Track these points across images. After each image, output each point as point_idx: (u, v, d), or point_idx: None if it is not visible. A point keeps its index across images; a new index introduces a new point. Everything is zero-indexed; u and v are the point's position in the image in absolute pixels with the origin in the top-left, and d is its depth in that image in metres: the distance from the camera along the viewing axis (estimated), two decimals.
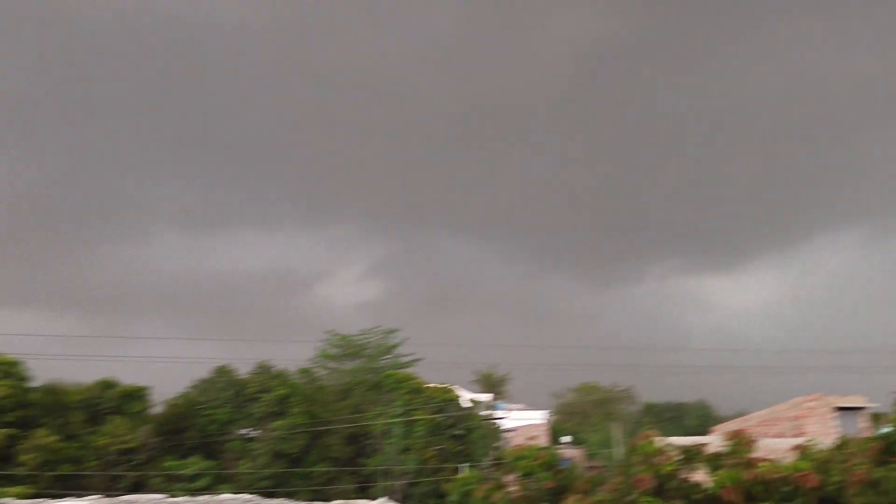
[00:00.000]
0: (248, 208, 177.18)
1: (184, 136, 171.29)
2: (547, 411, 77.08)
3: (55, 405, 40.62)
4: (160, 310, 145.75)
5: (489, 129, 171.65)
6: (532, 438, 42.25)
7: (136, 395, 42.82)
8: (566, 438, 62.28)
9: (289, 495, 35.31)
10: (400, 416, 44.67)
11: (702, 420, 72.60)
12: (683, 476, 14.53)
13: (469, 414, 50.07)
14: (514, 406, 69.75)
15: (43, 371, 42.08)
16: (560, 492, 19.60)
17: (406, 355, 61.55)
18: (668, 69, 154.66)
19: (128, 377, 43.67)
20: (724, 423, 43.51)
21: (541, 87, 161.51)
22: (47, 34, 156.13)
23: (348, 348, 61.44)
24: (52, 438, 37.61)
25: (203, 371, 45.66)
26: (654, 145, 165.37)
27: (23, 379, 39.76)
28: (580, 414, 78.51)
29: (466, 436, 48.55)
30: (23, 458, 36.59)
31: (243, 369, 45.33)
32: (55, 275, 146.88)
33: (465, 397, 53.12)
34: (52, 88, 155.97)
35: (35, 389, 40.50)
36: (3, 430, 37.10)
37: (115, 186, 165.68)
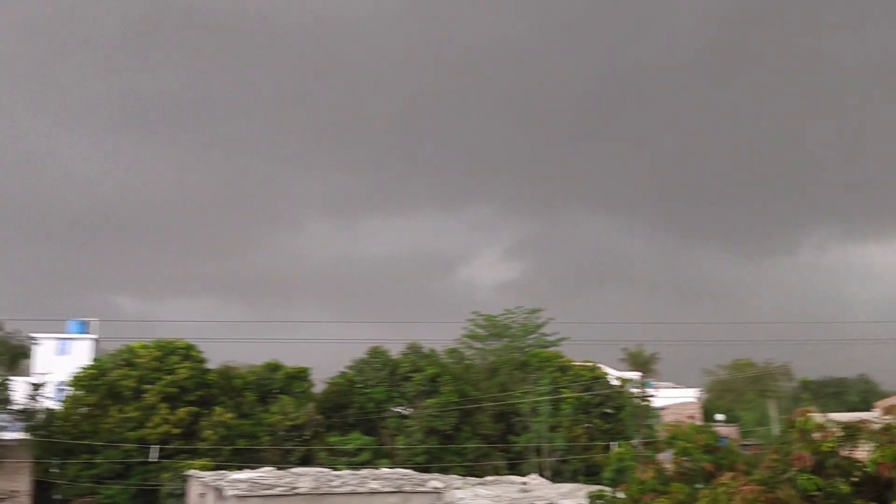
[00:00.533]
0: (390, 194, 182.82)
1: (327, 127, 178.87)
2: (698, 389, 75.18)
3: (229, 386, 44.30)
4: (315, 294, 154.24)
5: (625, 98, 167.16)
6: (690, 417, 41.63)
7: (299, 376, 45.90)
8: (719, 416, 60.56)
9: (442, 471, 36.89)
10: (547, 394, 45.30)
11: (864, 396, 68.21)
12: (844, 454, 14.11)
13: (618, 392, 49.92)
14: (663, 384, 68.59)
15: (216, 354, 45.97)
16: (717, 472, 19.45)
17: (551, 334, 62.02)
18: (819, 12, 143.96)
19: (290, 359, 46.93)
20: (889, 398, 40.93)
21: (676, 50, 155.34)
22: (197, 38, 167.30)
23: (493, 328, 62.68)
24: (228, 416, 41.12)
25: (358, 352, 48.35)
26: (803, 99, 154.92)
27: (200, 362, 43.57)
28: (733, 391, 75.94)
29: (615, 414, 48.48)
30: (205, 433, 40.25)
31: (395, 350, 47.60)
32: (222, 265, 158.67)
33: (613, 375, 52.94)
34: (204, 89, 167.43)
35: (211, 371, 44.30)
36: (186, 409, 40.92)
37: (268, 179, 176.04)
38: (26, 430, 39.18)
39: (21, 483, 38.76)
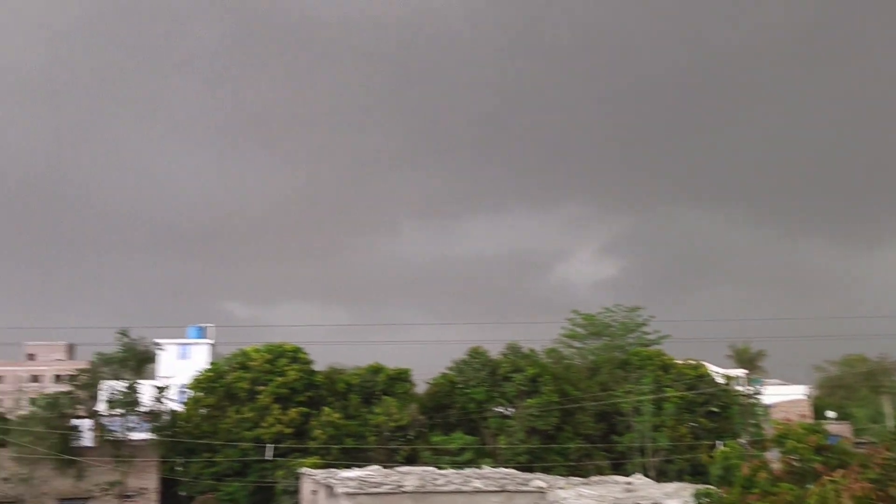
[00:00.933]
0: (484, 194, 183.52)
1: (421, 131, 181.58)
2: (807, 386, 72.36)
3: (335, 387, 45.94)
4: (413, 296, 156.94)
5: (724, 88, 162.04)
6: (800, 415, 40.30)
7: (401, 377, 47.10)
8: (830, 414, 58.13)
9: (545, 470, 37.12)
10: (650, 393, 44.78)
11: None
12: None
13: (723, 390, 48.78)
14: (771, 381, 66.42)
15: (320, 357, 47.61)
16: (827, 471, 18.95)
17: (651, 332, 61.12)
18: None
19: (391, 360, 48.18)
20: None
21: (779, 36, 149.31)
22: (294, 50, 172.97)
23: (593, 327, 62.28)
24: (336, 416, 42.71)
25: (456, 353, 49.14)
26: None
27: (308, 364, 45.39)
28: (845, 388, 72.62)
29: (721, 412, 47.39)
30: (314, 433, 41.95)
31: (494, 350, 48.07)
32: (324, 270, 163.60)
33: (718, 373, 51.78)
34: (302, 99, 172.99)
35: (318, 373, 46.05)
36: (297, 409, 42.77)
37: (365, 184, 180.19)
38: (153, 430, 41.83)
39: (149, 481, 41.40)
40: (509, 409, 45.35)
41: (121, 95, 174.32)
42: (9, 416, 46.28)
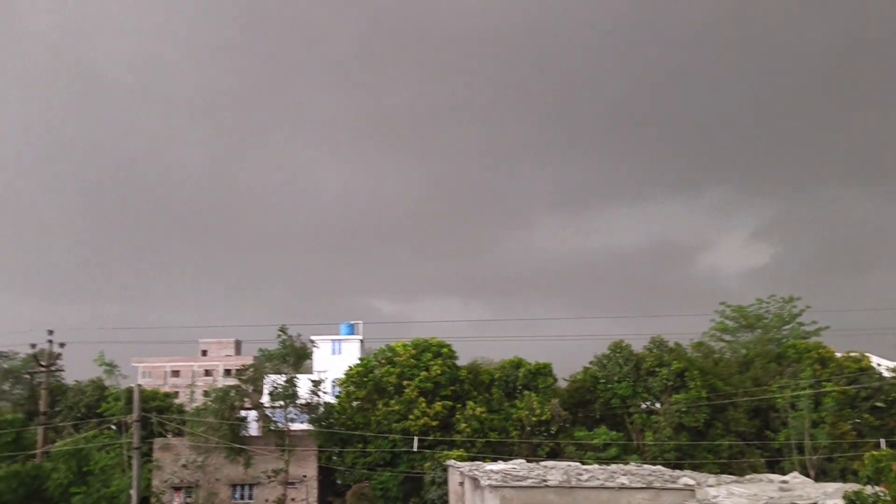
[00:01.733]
0: (620, 183, 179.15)
1: (551, 122, 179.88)
2: None
3: (478, 381, 46.95)
4: (551, 290, 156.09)
5: (880, 59, 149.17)
6: None
7: (543, 372, 47.39)
8: None
9: (694, 468, 36.22)
10: (807, 388, 42.54)
11: None
12: None
13: (891, 384, 45.46)
14: None
15: (462, 351, 48.76)
16: None
17: (808, 323, 57.90)
18: None
19: (531, 355, 48.57)
20: None
21: None
22: (424, 51, 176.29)
23: (744, 319, 59.78)
24: (479, 410, 43.71)
25: (598, 348, 48.80)
26: None
27: (452, 359, 46.67)
28: None
29: (888, 408, 44.26)
30: (459, 426, 43.16)
31: (637, 344, 47.36)
32: (463, 265, 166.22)
33: (884, 367, 48.28)
34: (434, 98, 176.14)
35: (461, 368, 47.24)
36: (441, 403, 44.18)
37: (499, 178, 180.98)
38: (311, 422, 44.56)
39: (309, 469, 44.18)
40: (655, 405, 44.55)
41: (268, 106, 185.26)
42: (185, 408, 50.81)
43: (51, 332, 44.18)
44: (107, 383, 47.93)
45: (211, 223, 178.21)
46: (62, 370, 48.60)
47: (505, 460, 35.82)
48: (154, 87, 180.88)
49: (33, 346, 45.69)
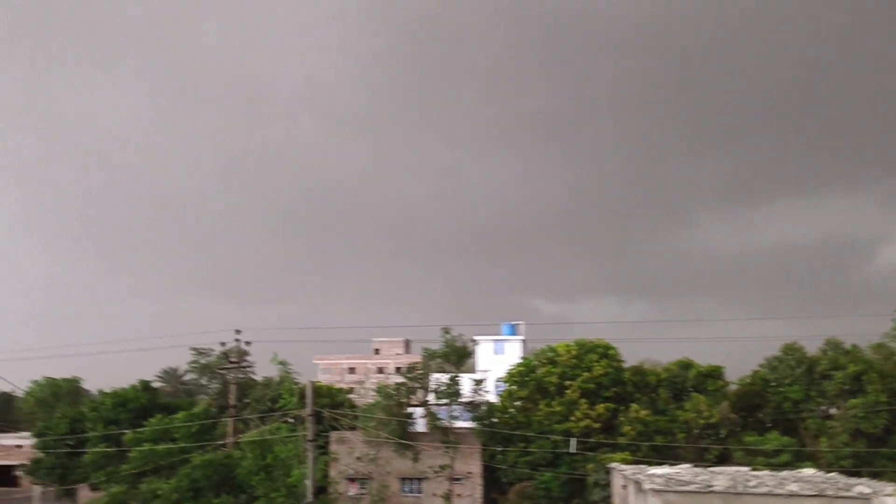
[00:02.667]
0: (787, 175, 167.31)
1: (710, 115, 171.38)
2: None
3: (643, 383, 46.11)
4: (715, 289, 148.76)
5: None
6: None
7: (712, 374, 45.77)
8: None
9: (874, 476, 33.72)
10: None
11: None
12: None
13: None
14: None
15: (624, 352, 47.97)
16: None
17: None
18: None
19: (696, 356, 47.03)
20: None
21: None
22: (565, 53, 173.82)
23: None
24: (644, 413, 42.96)
25: (768, 349, 46.45)
26: None
27: (616, 360, 46.15)
28: None
29: None
30: (623, 429, 42.66)
31: (811, 346, 44.69)
32: (622, 264, 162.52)
33: None
34: (578, 98, 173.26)
35: (625, 369, 46.60)
36: (604, 404, 43.83)
37: (655, 175, 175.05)
38: (473, 420, 45.75)
39: (474, 466, 45.36)
40: (830, 410, 41.78)
41: (422, 113, 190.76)
42: (358, 404, 53.73)
43: (238, 332, 48.41)
44: (283, 379, 51.78)
45: (378, 228, 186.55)
46: (250, 366, 53.07)
47: (671, 464, 35.10)
48: (315, 101, 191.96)
49: (223, 344, 50.26)
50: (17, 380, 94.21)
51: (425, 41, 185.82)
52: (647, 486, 28.86)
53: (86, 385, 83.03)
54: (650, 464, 36.05)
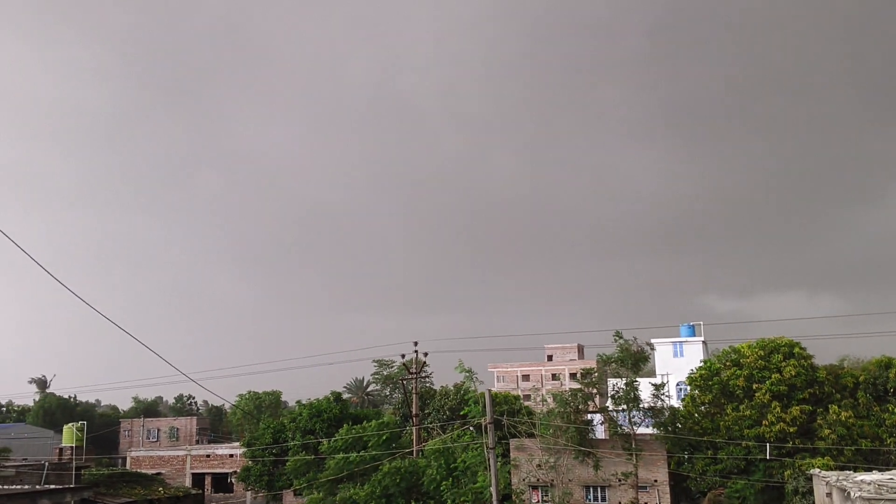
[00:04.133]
0: None
1: (887, 87, 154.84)
2: None
3: (839, 384, 42.67)
4: None
5: None
6: None
7: None
8: None
9: None
10: None
11: None
12: None
13: None
14: None
15: (813, 350, 44.54)
16: None
17: None
18: None
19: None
20: None
21: None
22: (713, 40, 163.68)
23: None
24: (845, 415, 39.76)
25: None
26: None
27: (805, 359, 43.05)
28: None
29: None
30: (822, 433, 39.73)
31: None
32: (804, 255, 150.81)
33: None
34: (737, 82, 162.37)
35: (819, 369, 43.34)
36: (798, 407, 41.02)
37: (832, 154, 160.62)
38: (656, 426, 44.48)
39: (659, 473, 44.09)
40: None
41: (566, 111, 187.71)
42: (535, 410, 53.90)
43: (416, 343, 50.25)
44: (460, 388, 52.96)
45: (537, 233, 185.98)
46: (429, 376, 54.87)
47: (881, 470, 32.26)
48: (459, 111, 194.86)
49: (402, 356, 52.35)
50: (223, 396, 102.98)
51: (561, 40, 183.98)
52: (855, 493, 26.70)
53: (283, 397, 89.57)
54: (855, 469, 33.32)
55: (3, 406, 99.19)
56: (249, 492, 58.15)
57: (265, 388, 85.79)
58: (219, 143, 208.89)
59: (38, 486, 41.57)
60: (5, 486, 41.28)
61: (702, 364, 48.63)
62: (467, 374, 47.17)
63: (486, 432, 34.65)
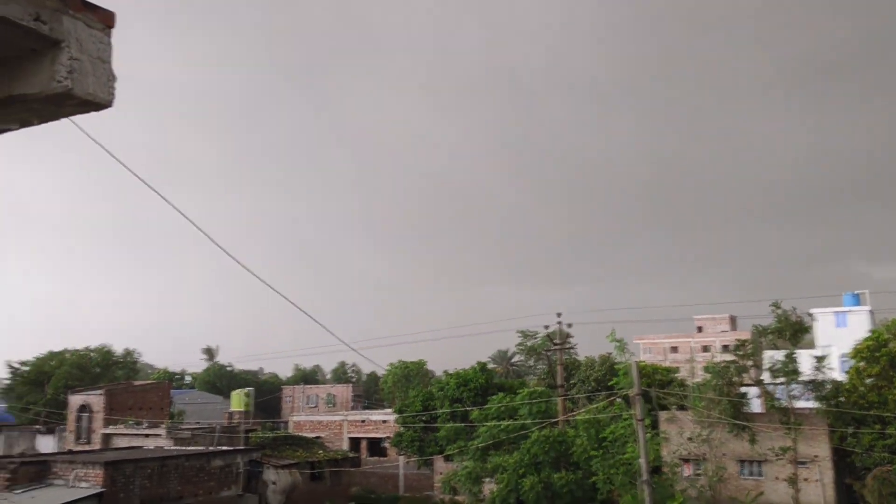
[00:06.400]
0: None
1: None
2: None
3: None
4: None
5: None
6: None
7: None
8: None
9: None
10: None
11: None
12: None
13: None
14: None
15: None
16: None
17: None
18: None
19: None
20: None
21: None
22: None
23: None
24: None
25: None
26: None
27: None
28: None
29: None
30: None
31: None
32: None
33: None
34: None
35: None
36: None
37: None
38: (817, 399, 42.44)
39: (820, 449, 42.16)
40: None
41: (690, 74, 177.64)
42: (686, 383, 52.80)
43: (559, 314, 50.34)
44: (605, 360, 52.56)
45: (673, 200, 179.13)
46: (573, 347, 54.87)
47: None
48: (571, 76, 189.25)
49: (546, 327, 52.56)
50: (377, 364, 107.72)
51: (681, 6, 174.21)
52: None
53: (429, 367, 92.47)
54: None
55: (177, 374, 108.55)
56: (402, 456, 60.77)
57: (410, 358, 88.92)
58: (345, 121, 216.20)
59: (210, 448, 45.46)
60: (181, 448, 45.51)
61: (868, 335, 45.75)
62: (618, 344, 46.78)
63: (634, 404, 34.47)
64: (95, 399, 57.82)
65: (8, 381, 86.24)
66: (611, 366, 52.87)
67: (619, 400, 42.55)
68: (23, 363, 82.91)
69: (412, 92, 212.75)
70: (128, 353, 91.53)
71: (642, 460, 34.05)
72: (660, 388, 46.36)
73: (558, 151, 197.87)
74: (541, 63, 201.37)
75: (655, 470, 40.71)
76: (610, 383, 48.49)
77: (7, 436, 61.42)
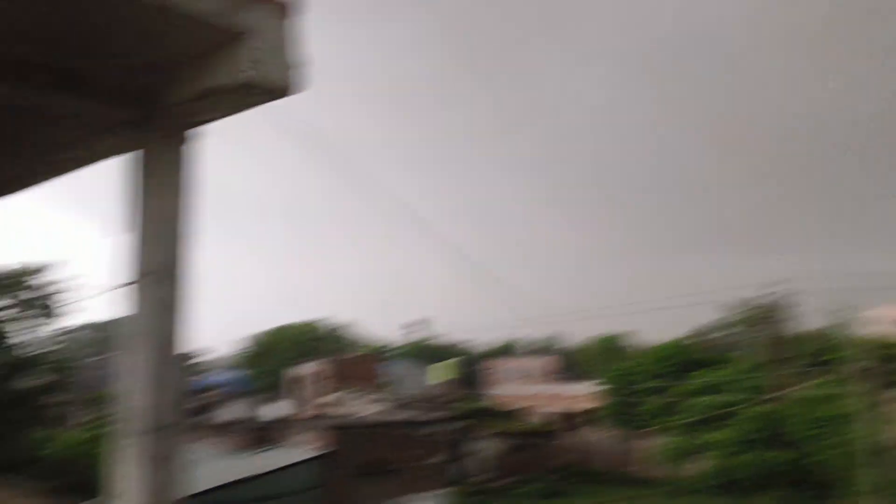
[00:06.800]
0: None
1: None
2: None
3: None
4: None
5: None
6: None
7: None
8: None
9: None
10: None
11: None
12: None
13: None
14: None
15: None
16: None
17: None
18: None
19: None
20: None
21: None
22: None
23: None
24: None
25: None
26: None
27: None
28: None
29: None
30: None
31: None
32: None
33: None
34: None
35: None
36: None
37: None
38: None
39: None
40: None
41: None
42: None
43: (770, 286, 47.05)
44: (821, 334, 48.38)
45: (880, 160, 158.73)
46: (784, 320, 51.17)
47: None
48: (759, 34, 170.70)
49: (747, 299, 49.44)
50: (573, 338, 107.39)
51: None
52: None
53: (626, 340, 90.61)
54: None
55: (386, 348, 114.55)
56: (602, 430, 60.03)
57: (603, 333, 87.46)
58: (534, 99, 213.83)
59: (420, 417, 47.50)
60: (391, 416, 48.01)
61: None
62: (843, 316, 42.93)
63: (857, 380, 31.74)
64: (314, 369, 62.83)
65: (244, 354, 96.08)
66: (830, 339, 48.68)
67: (840, 376, 39.20)
68: (254, 336, 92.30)
69: (601, 64, 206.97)
70: (341, 326, 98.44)
71: (867, 442, 31.41)
72: (888, 362, 42.14)
73: (761, 113, 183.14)
74: (739, 21, 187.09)
75: (880, 452, 37.25)
76: (827, 358, 44.84)
77: (245, 402, 68.37)
